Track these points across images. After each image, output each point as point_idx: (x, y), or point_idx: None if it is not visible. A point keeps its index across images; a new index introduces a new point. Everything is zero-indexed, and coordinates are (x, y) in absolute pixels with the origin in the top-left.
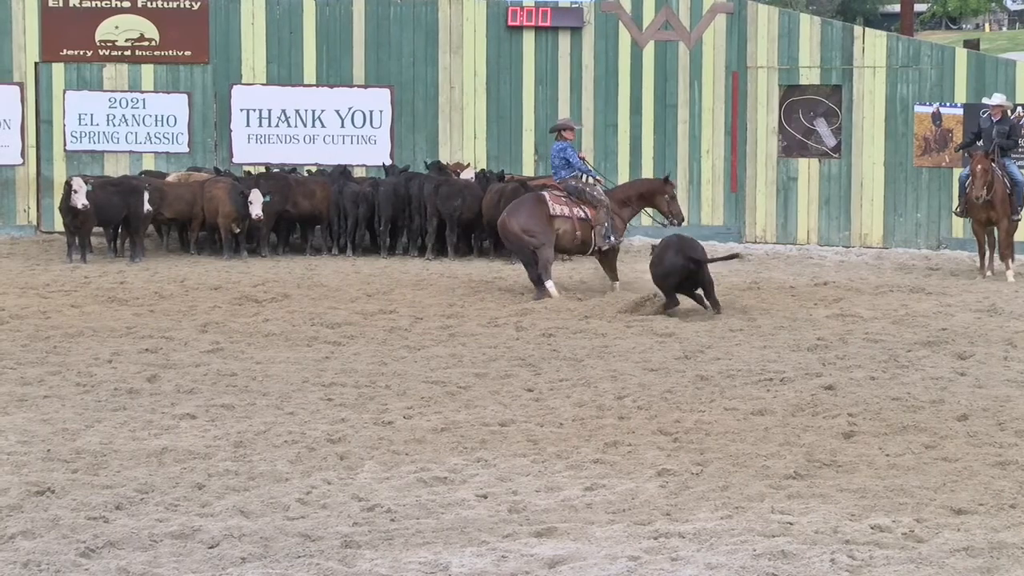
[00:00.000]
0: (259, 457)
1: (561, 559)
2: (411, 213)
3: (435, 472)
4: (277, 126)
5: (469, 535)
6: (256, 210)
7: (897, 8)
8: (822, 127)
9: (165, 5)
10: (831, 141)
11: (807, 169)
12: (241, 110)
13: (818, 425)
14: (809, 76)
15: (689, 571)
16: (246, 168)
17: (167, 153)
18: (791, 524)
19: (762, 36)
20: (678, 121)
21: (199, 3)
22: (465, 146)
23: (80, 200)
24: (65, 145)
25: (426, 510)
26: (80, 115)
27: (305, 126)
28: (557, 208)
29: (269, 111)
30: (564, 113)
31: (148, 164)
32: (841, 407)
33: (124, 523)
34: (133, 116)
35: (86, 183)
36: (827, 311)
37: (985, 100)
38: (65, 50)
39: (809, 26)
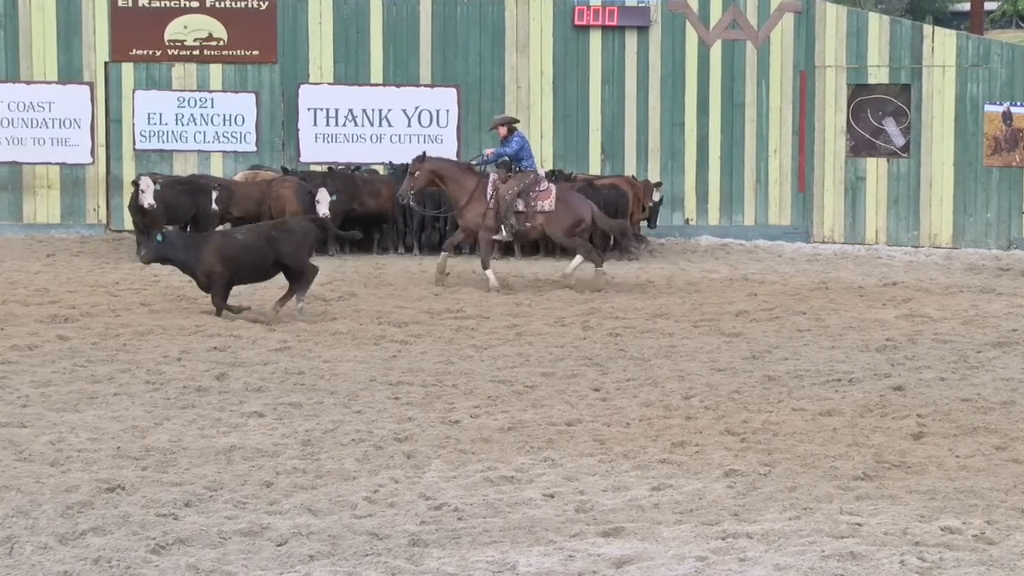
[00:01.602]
0: (327, 455)
1: (628, 559)
2: None
3: (502, 471)
4: (344, 125)
5: (536, 534)
6: (323, 209)
7: (967, 7)
8: (891, 126)
9: (233, 5)
10: (900, 140)
11: (875, 169)
12: (308, 109)
13: (887, 426)
14: (878, 75)
15: (757, 572)
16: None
17: (235, 152)
18: (860, 525)
19: (830, 35)
20: (745, 120)
21: (267, 3)
22: (532, 145)
23: (147, 199)
24: (134, 144)
25: (493, 509)
26: (149, 114)
27: (372, 125)
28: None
29: (336, 110)
30: (631, 113)
31: (216, 163)
32: (910, 408)
33: (193, 520)
34: (201, 115)
35: (154, 182)
36: (896, 311)
37: None
38: (134, 50)
39: (878, 25)
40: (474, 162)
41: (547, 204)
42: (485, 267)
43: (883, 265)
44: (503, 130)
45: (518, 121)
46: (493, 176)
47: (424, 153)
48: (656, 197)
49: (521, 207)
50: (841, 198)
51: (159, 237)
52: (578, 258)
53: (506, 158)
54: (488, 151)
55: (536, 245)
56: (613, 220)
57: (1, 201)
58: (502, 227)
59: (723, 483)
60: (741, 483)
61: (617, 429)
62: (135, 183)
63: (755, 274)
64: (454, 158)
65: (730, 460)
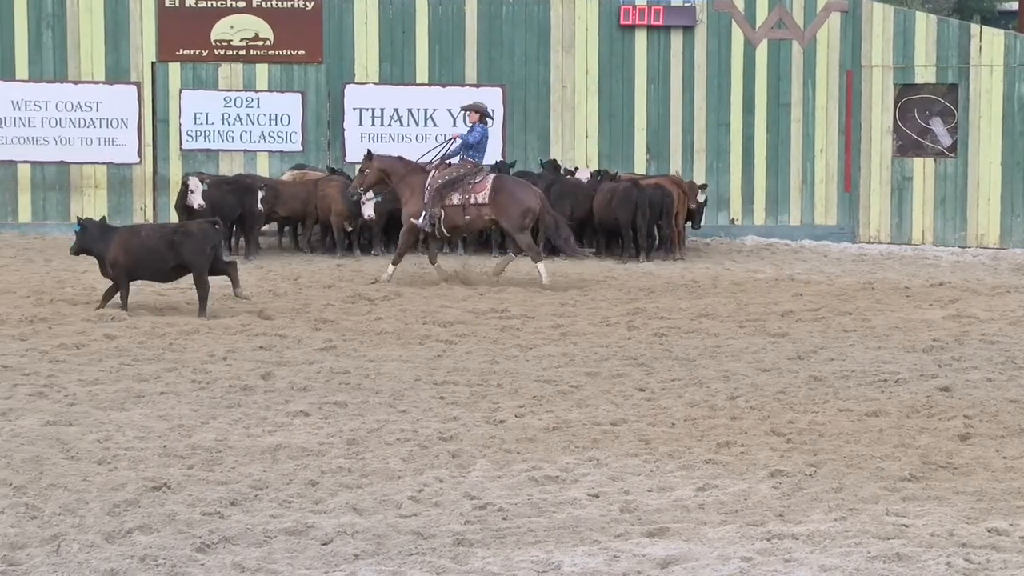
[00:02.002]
0: (372, 455)
1: (673, 559)
2: None
3: (547, 471)
4: (390, 125)
5: (581, 534)
6: (368, 210)
7: (1015, 6)
8: (938, 126)
9: (279, 5)
10: (947, 140)
11: (922, 169)
12: (354, 109)
13: (933, 427)
14: (925, 75)
15: (802, 573)
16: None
17: (281, 152)
18: (906, 527)
19: (877, 35)
20: (791, 120)
21: (313, 3)
22: (577, 145)
23: (196, 200)
24: (181, 144)
25: (538, 509)
26: (196, 114)
27: (417, 125)
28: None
29: (382, 110)
30: (677, 113)
31: (262, 162)
32: (957, 409)
33: (239, 519)
34: (248, 115)
35: (202, 182)
36: (943, 312)
37: None
38: (181, 50)
39: (925, 24)
40: (448, 148)
41: (481, 196)
42: (394, 262)
43: (930, 265)
44: (475, 116)
45: (491, 118)
46: (434, 172)
47: (369, 151)
48: (701, 198)
49: (457, 200)
50: (888, 198)
51: (77, 228)
52: (542, 264)
53: (467, 145)
54: (456, 135)
55: (580, 244)
56: (558, 217)
57: (49, 200)
58: (422, 215)
59: (768, 484)
60: (786, 484)
61: (662, 429)
62: (184, 183)
63: (801, 274)
64: (402, 156)
65: (776, 460)
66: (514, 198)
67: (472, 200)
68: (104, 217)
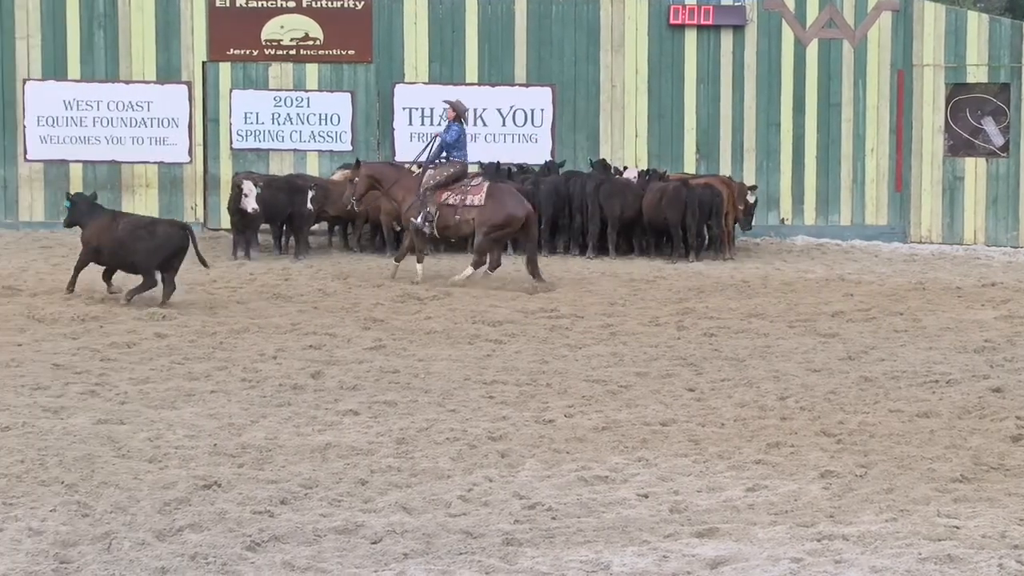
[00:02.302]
0: (421, 454)
1: (723, 560)
2: (571, 212)
3: (596, 471)
4: (439, 125)
5: (630, 534)
6: None
7: None
8: (990, 126)
9: (329, 5)
10: (999, 140)
11: (974, 168)
12: (403, 109)
13: (985, 428)
14: (976, 74)
15: (853, 574)
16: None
17: (331, 151)
18: (957, 528)
19: (928, 34)
20: (842, 120)
21: (363, 2)
22: (626, 145)
23: (250, 204)
24: (231, 143)
25: (587, 509)
26: (246, 114)
27: (466, 125)
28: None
29: (431, 110)
30: (727, 112)
31: (312, 162)
32: (1009, 410)
33: (289, 517)
34: (298, 115)
35: (255, 185)
36: (994, 312)
37: None
38: (232, 50)
39: (977, 23)
40: (431, 148)
41: (477, 199)
42: (419, 260)
43: (981, 266)
44: (452, 113)
45: (466, 120)
46: (430, 171)
47: (358, 160)
48: (750, 199)
49: (452, 200)
50: (939, 198)
51: (67, 203)
52: (471, 271)
53: (445, 143)
54: (436, 135)
55: (630, 244)
56: (535, 246)
57: (100, 200)
58: (420, 217)
59: (819, 484)
60: (837, 484)
61: (712, 429)
62: (238, 185)
63: (851, 274)
64: (390, 161)
65: (826, 461)
66: (503, 207)
67: (467, 201)
68: (95, 193)
